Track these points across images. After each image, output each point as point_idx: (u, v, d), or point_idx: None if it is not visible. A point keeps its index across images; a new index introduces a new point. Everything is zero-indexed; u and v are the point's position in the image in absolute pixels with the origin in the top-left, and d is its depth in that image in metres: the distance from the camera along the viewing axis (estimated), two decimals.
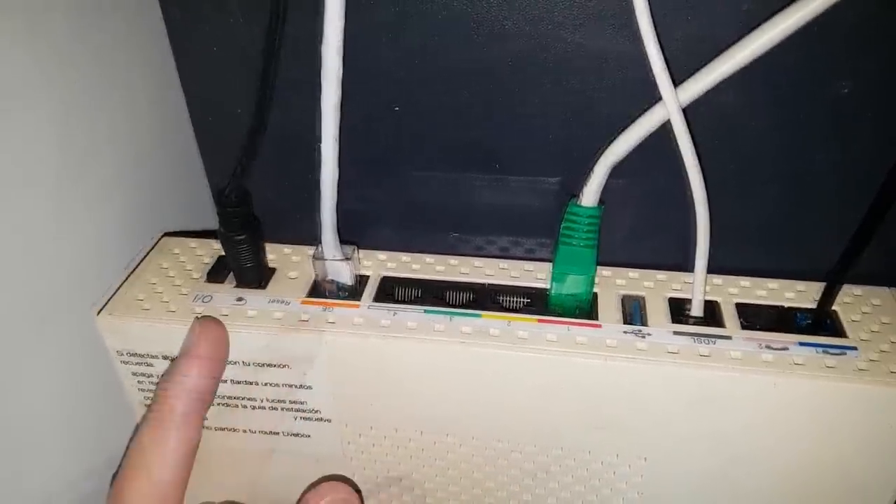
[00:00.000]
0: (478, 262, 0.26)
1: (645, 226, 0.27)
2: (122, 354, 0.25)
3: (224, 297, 0.25)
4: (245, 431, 0.26)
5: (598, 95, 0.24)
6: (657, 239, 0.27)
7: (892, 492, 0.24)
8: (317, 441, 0.26)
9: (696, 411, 0.23)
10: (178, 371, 0.23)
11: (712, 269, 0.24)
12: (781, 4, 0.19)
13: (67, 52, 0.23)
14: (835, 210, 0.25)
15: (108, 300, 0.25)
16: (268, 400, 0.25)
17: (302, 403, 0.25)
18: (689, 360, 0.22)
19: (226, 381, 0.25)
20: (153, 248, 0.27)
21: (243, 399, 0.25)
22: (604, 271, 0.26)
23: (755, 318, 0.24)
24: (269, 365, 0.24)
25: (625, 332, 0.23)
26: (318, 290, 0.26)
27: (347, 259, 0.25)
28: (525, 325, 0.24)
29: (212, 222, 0.25)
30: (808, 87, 0.23)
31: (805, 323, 0.24)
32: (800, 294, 0.25)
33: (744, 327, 0.23)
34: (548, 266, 0.25)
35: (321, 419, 0.26)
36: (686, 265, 0.24)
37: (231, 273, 0.26)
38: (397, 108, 0.25)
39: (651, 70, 0.21)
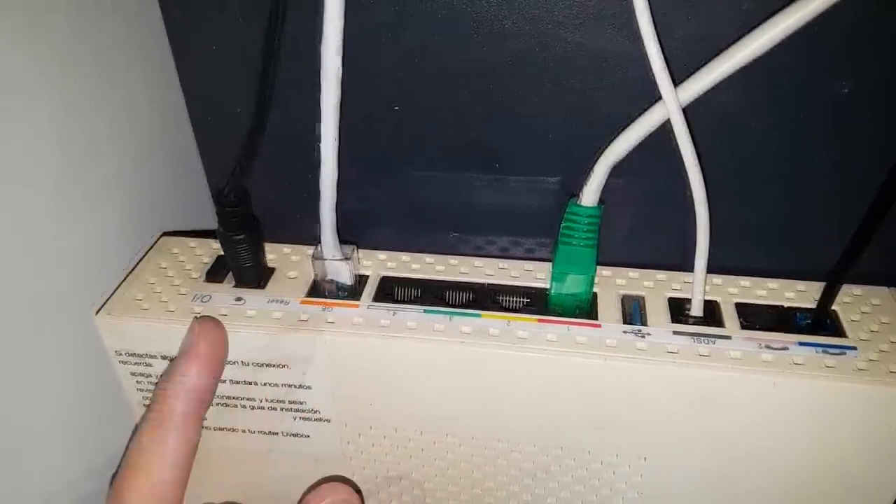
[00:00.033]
0: (478, 261, 0.26)
1: (645, 226, 0.27)
2: (120, 354, 0.25)
3: (223, 296, 0.25)
4: (244, 431, 0.26)
5: (598, 95, 0.24)
6: (657, 239, 0.27)
7: (892, 492, 0.24)
8: (316, 441, 0.26)
9: (696, 411, 0.23)
10: (178, 371, 0.23)
11: (712, 268, 0.24)
12: (781, 4, 0.19)
13: (67, 52, 0.23)
14: (835, 210, 0.25)
15: (107, 300, 0.25)
16: (267, 400, 0.25)
17: (301, 403, 0.25)
18: (688, 359, 0.22)
19: (225, 381, 0.25)
20: (152, 247, 0.27)
21: (242, 399, 0.25)
22: (604, 271, 0.26)
23: (755, 317, 0.24)
24: (268, 365, 0.24)
25: (625, 332, 0.23)
26: (318, 289, 0.26)
27: (347, 259, 0.25)
28: (525, 325, 0.24)
29: (211, 222, 0.25)
30: (808, 87, 0.23)
31: (805, 323, 0.24)
32: (800, 294, 0.25)
33: (743, 327, 0.23)
34: (547, 266, 0.25)
35: (320, 419, 0.26)
36: (686, 265, 0.24)
37: (230, 273, 0.26)
38: (397, 108, 0.25)
39: (651, 69, 0.21)
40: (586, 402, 0.23)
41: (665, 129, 0.22)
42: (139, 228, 0.28)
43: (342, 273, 0.25)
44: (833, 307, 0.24)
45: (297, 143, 0.25)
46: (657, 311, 0.24)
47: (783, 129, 0.24)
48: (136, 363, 0.25)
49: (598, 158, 0.23)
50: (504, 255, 0.29)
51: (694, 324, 0.24)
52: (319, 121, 0.22)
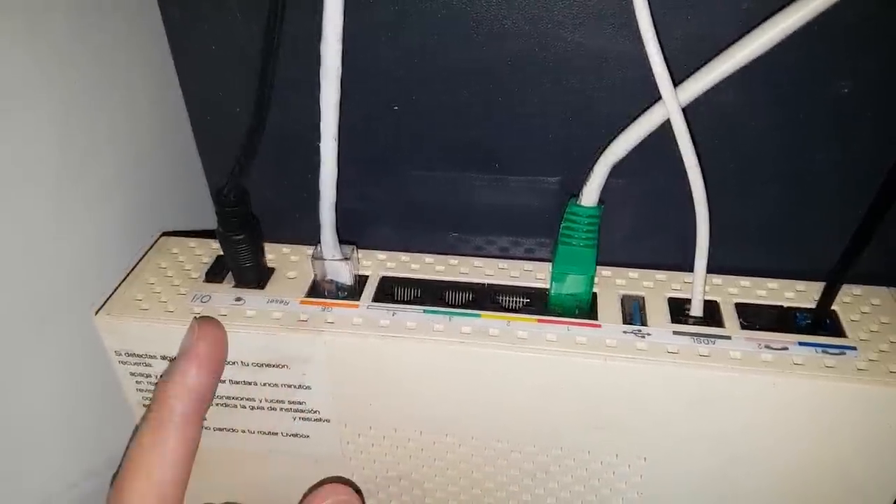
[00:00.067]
0: (477, 261, 0.26)
1: (645, 226, 0.27)
2: (120, 354, 0.25)
3: (223, 296, 0.25)
4: (244, 431, 0.26)
5: (597, 95, 0.24)
6: (657, 239, 0.27)
7: (892, 492, 0.24)
8: (316, 441, 0.26)
9: (696, 411, 0.23)
10: (177, 371, 0.23)
11: (712, 268, 0.24)
12: (781, 4, 0.19)
13: (67, 52, 0.23)
14: (835, 210, 0.25)
15: (107, 300, 0.25)
16: (267, 400, 0.25)
17: (301, 404, 0.25)
18: (688, 360, 0.22)
19: (225, 382, 0.25)
20: (151, 247, 0.27)
21: (242, 399, 0.25)
22: (604, 271, 0.26)
23: (755, 317, 0.24)
24: (267, 365, 0.24)
25: (624, 332, 0.23)
26: (317, 289, 0.26)
27: (346, 259, 0.25)
28: (525, 325, 0.24)
29: (211, 222, 0.25)
30: (808, 87, 0.23)
31: (805, 323, 0.24)
32: (799, 294, 0.25)
33: (743, 327, 0.23)
34: (547, 266, 0.25)
35: (320, 419, 0.26)
36: (686, 265, 0.24)
37: (230, 273, 0.26)
38: (396, 108, 0.25)
39: (651, 69, 0.21)
40: (586, 403, 0.23)
41: (665, 129, 0.22)
42: (139, 228, 0.28)
43: (342, 273, 0.25)
44: (833, 307, 0.24)
45: (296, 142, 0.25)
46: (657, 312, 0.24)
47: (783, 129, 0.24)
48: (135, 363, 0.25)
49: (597, 158, 0.23)
50: (504, 255, 0.28)
51: (694, 324, 0.24)
52: (319, 120, 0.22)
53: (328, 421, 0.26)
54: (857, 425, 0.22)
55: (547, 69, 0.24)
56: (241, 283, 0.26)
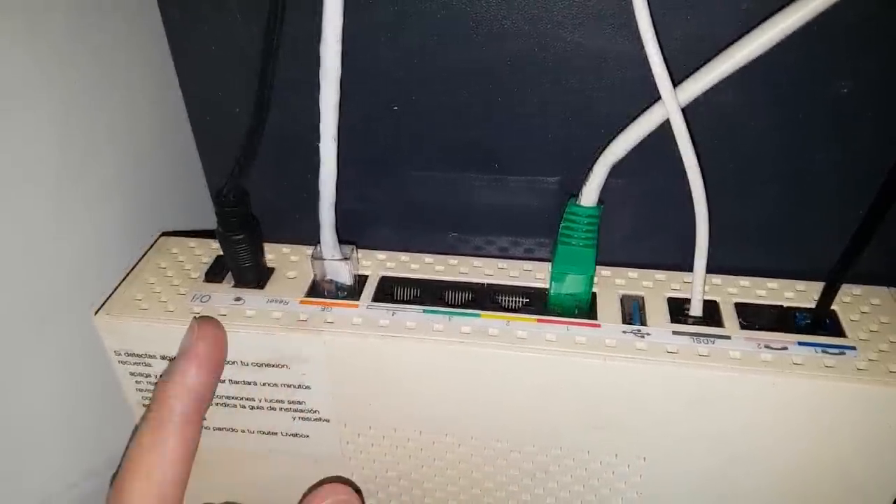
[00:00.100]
0: (477, 261, 0.26)
1: (644, 226, 0.27)
2: (120, 354, 0.25)
3: (222, 296, 0.25)
4: (244, 431, 0.26)
5: (597, 95, 0.24)
6: (657, 239, 0.27)
7: (892, 492, 0.24)
8: (315, 441, 0.26)
9: (696, 411, 0.23)
10: (177, 371, 0.23)
11: (712, 268, 0.24)
12: (781, 4, 0.19)
13: (67, 52, 0.23)
14: (835, 210, 0.25)
15: (107, 300, 0.25)
16: (266, 400, 0.25)
17: (301, 403, 0.25)
18: (688, 359, 0.22)
19: (224, 381, 0.25)
20: (151, 247, 0.27)
21: (242, 399, 0.25)
22: (603, 271, 0.26)
23: (754, 317, 0.24)
24: (267, 365, 0.24)
25: (624, 332, 0.23)
26: (317, 289, 0.26)
27: (346, 259, 0.25)
28: (524, 325, 0.24)
29: (210, 222, 0.25)
30: (808, 87, 0.23)
31: (804, 323, 0.24)
32: (799, 294, 0.25)
33: (743, 327, 0.23)
34: (547, 266, 0.25)
35: (320, 419, 0.26)
36: (686, 265, 0.24)
37: (229, 273, 0.26)
38: (396, 108, 0.25)
39: (650, 69, 0.21)
40: (586, 402, 0.23)
41: (665, 129, 0.22)
42: (139, 228, 0.28)
43: (341, 273, 0.25)
44: (833, 307, 0.24)
45: (295, 143, 0.25)
46: (657, 311, 0.24)
47: (783, 129, 0.24)
48: (135, 363, 0.25)
49: (597, 158, 0.23)
50: (503, 255, 0.28)
51: (693, 324, 0.24)
52: (319, 121, 0.22)
53: (328, 421, 0.26)
54: (856, 425, 0.22)
55: (546, 69, 0.24)
56: (240, 283, 0.26)
